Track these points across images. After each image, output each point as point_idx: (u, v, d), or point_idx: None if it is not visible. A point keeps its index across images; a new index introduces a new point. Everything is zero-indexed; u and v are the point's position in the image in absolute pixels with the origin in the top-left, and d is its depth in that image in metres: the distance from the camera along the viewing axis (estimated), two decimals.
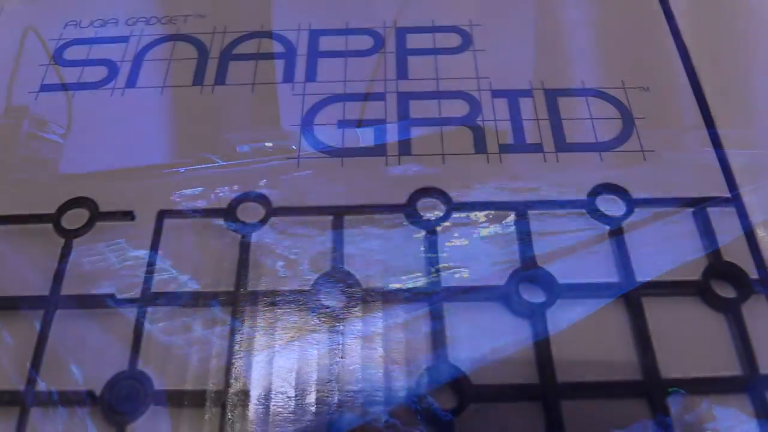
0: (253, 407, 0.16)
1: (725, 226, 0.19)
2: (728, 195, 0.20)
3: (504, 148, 0.21)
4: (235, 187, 0.20)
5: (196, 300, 0.18)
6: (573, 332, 0.17)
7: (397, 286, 0.18)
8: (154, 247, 0.19)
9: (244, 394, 0.16)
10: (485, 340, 0.17)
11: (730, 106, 0.21)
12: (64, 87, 0.23)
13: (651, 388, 0.17)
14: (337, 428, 0.16)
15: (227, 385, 0.17)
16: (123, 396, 0.17)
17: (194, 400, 0.16)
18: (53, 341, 0.17)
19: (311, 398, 0.16)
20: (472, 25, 0.24)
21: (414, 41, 0.23)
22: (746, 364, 0.17)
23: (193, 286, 0.18)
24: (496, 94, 0.22)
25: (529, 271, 0.18)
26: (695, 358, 0.17)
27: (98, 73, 0.23)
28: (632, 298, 0.18)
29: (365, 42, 0.23)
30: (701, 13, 0.24)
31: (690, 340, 0.17)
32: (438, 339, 0.17)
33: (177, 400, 0.17)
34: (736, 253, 0.19)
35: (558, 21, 0.24)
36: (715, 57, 0.23)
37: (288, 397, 0.16)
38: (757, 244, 0.19)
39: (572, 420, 0.16)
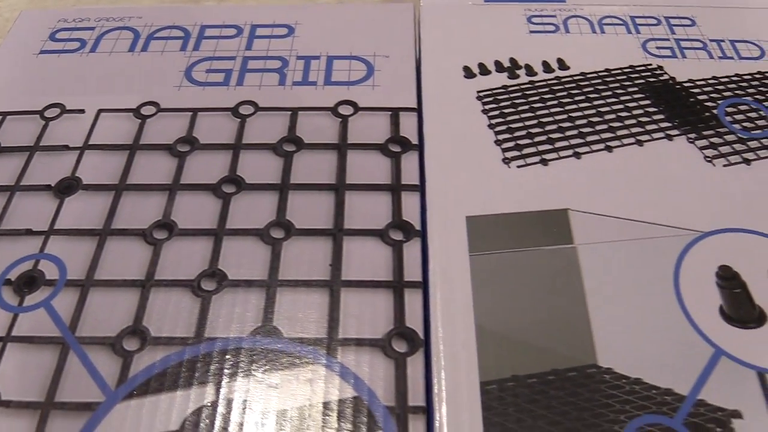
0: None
1: (408, 123, 0.34)
2: (415, 106, 0.35)
3: (296, 84, 0.37)
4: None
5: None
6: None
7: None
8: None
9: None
10: None
11: (433, 64, 0.37)
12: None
13: None
14: None
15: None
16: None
17: None
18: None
19: None
20: (297, 23, 0.40)
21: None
22: None
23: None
24: (299, 57, 0.38)
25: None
26: None
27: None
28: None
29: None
30: (436, 21, 0.40)
31: None
32: None
33: None
34: (409, 129, 0.34)
35: (347, 21, 0.40)
36: (436, 41, 0.39)
37: None
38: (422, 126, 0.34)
39: None
